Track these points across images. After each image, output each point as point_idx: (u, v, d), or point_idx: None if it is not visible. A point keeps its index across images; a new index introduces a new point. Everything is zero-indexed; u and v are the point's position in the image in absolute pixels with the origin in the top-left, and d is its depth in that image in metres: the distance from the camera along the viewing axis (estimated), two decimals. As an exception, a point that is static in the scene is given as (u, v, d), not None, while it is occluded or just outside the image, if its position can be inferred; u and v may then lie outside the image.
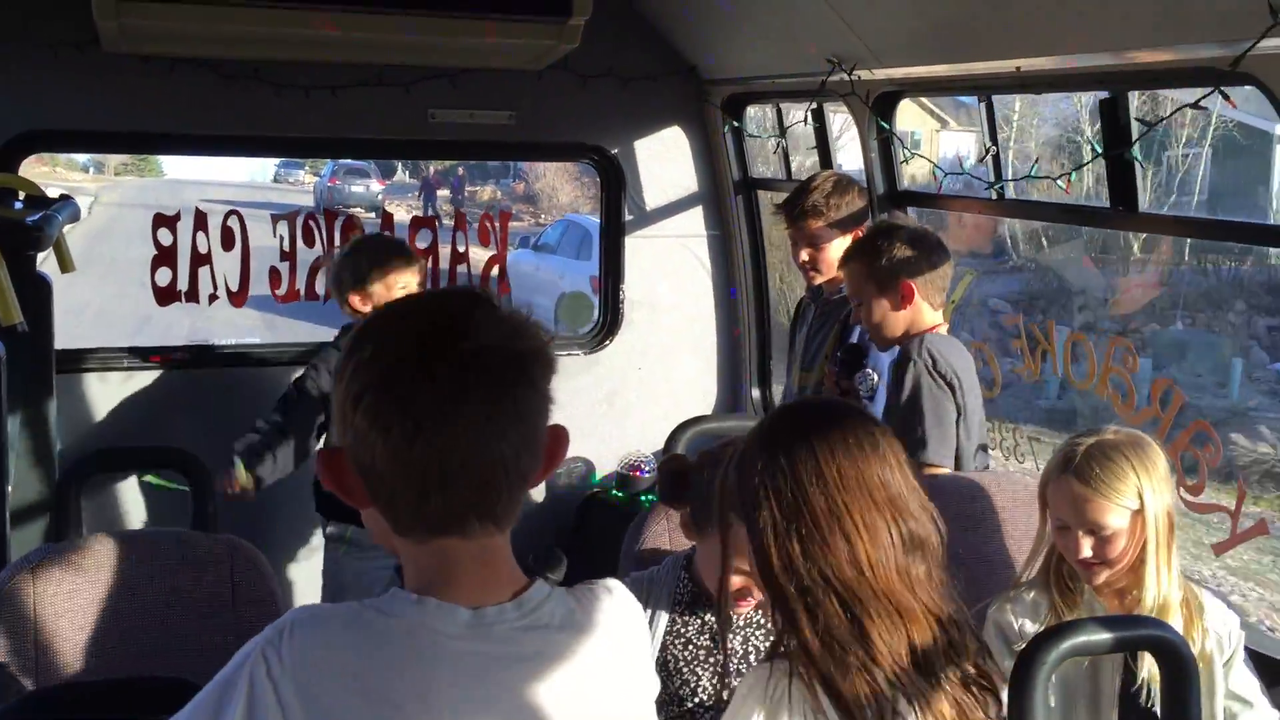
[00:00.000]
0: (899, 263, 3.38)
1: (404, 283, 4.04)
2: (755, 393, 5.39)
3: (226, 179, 29.28)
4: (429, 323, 1.44)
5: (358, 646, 1.39)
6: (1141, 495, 2.45)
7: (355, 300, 4.08)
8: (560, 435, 1.52)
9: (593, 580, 1.59)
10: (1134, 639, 1.83)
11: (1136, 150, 2.87)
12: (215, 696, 1.39)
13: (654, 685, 1.62)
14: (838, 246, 3.88)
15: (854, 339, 3.95)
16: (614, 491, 5.07)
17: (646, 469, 5.03)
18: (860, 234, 3.97)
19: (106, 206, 28.10)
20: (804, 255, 4.00)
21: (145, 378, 4.73)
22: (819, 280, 4.07)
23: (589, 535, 5.09)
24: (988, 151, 3.58)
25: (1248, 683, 2.59)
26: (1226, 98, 2.58)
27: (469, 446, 1.39)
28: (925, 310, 3.44)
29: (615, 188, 5.22)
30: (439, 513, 1.42)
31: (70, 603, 2.60)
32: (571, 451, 4.99)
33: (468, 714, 1.39)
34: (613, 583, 1.60)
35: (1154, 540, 2.46)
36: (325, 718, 1.36)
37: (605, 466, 5.23)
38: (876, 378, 3.89)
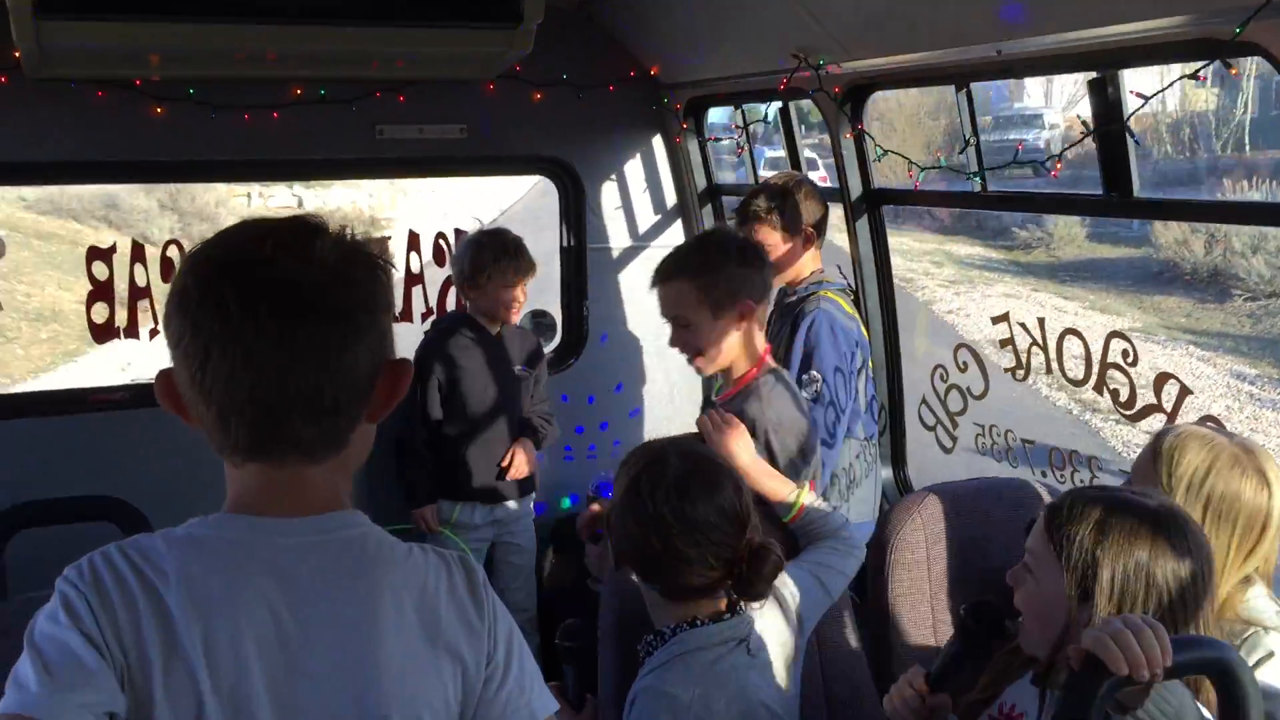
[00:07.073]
0: (738, 280, 2.93)
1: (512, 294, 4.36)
2: (730, 407, 5.19)
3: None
4: (236, 249, 1.43)
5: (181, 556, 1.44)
6: None
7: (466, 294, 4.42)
8: (400, 369, 1.50)
9: (445, 550, 1.57)
10: (1193, 662, 1.65)
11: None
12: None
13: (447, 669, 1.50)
14: (789, 250, 3.88)
15: (800, 341, 3.78)
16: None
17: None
18: (812, 232, 3.88)
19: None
20: None
21: (85, 421, 4.46)
22: (776, 284, 3.98)
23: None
24: (968, 143, 3.41)
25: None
26: (1230, 67, 2.42)
27: (257, 378, 1.39)
28: (759, 336, 3.03)
29: (575, 200, 5.02)
30: (241, 439, 1.44)
31: (-1, 672, 2.37)
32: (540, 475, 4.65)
33: (238, 609, 1.41)
34: (455, 557, 1.57)
35: None
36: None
37: (578, 489, 5.01)
38: (821, 379, 3.70)
